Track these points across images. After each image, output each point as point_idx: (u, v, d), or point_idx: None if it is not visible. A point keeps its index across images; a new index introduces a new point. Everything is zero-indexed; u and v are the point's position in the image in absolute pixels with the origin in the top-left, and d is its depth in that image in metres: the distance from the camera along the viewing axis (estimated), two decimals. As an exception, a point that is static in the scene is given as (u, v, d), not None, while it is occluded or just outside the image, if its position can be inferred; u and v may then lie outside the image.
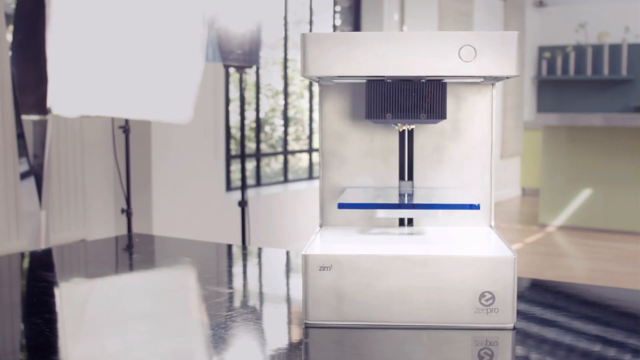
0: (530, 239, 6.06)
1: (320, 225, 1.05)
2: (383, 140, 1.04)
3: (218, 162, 4.19)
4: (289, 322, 0.92)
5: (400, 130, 1.02)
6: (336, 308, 0.85)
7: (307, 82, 5.39)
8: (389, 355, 0.79)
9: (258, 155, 4.88)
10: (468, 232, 1.00)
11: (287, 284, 1.17)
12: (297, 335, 0.86)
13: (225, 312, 0.95)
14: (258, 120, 4.86)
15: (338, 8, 5.72)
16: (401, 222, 1.05)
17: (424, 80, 0.92)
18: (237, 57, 2.53)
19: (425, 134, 1.04)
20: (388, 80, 0.92)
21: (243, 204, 2.94)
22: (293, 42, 5.23)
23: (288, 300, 1.05)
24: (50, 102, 2.33)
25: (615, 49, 9.04)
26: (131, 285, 1.16)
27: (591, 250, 5.68)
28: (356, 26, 5.87)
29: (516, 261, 0.85)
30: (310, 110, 5.44)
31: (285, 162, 5.24)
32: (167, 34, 2.31)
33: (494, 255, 0.85)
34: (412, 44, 0.83)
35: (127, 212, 2.68)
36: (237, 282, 1.18)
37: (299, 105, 5.48)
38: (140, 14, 2.27)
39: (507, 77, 0.85)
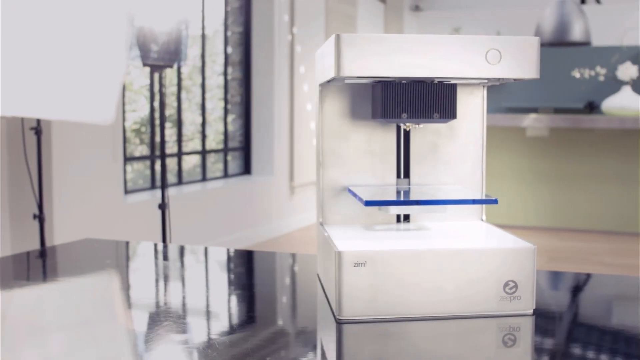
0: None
1: (321, 223, 1.07)
2: (381, 140, 1.07)
3: (117, 164, 4.07)
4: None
5: (408, 129, 1.05)
6: (369, 303, 0.87)
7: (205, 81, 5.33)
8: (421, 347, 0.82)
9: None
10: (469, 226, 1.05)
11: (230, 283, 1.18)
12: (330, 330, 0.87)
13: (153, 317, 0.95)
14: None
15: (228, 8, 5.69)
16: (397, 218, 1.08)
17: (436, 82, 0.96)
18: (157, 56, 2.47)
19: (422, 134, 1.08)
20: (403, 82, 0.95)
21: (163, 206, 2.88)
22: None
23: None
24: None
25: (487, 53, 9.51)
26: (52, 295, 1.10)
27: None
28: (247, 26, 5.86)
29: (536, 251, 0.90)
30: (203, 109, 5.38)
31: (178, 162, 5.16)
32: (88, 31, 2.23)
33: (516, 246, 0.90)
34: (442, 47, 0.87)
35: (40, 218, 2.55)
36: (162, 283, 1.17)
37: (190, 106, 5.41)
38: (60, 7, 2.18)
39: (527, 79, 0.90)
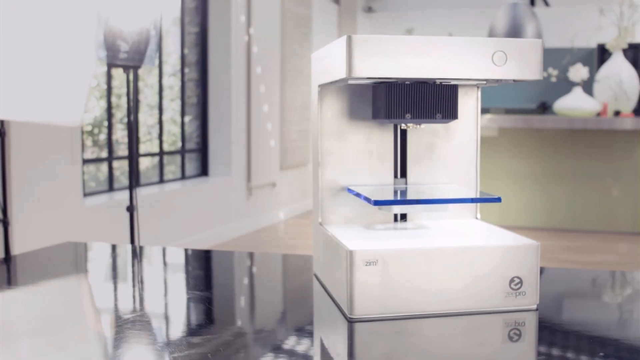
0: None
1: (320, 223, 1.07)
2: (379, 140, 1.08)
3: (75, 167, 4.00)
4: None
5: (408, 129, 1.06)
6: (380, 301, 0.88)
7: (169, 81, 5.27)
8: (431, 344, 0.84)
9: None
10: (467, 225, 1.07)
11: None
12: (343, 329, 0.88)
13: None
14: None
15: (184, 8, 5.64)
16: (395, 217, 1.09)
17: (438, 83, 0.97)
18: (126, 56, 2.43)
19: (419, 134, 1.10)
20: (406, 82, 0.96)
21: (132, 208, 2.84)
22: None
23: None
24: None
25: (439, 54, 9.64)
26: (21, 300, 1.07)
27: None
28: (203, 26, 5.82)
29: (539, 248, 0.92)
30: (160, 111, 5.32)
31: (136, 164, 5.09)
32: (56, 32, 2.18)
33: (521, 243, 0.92)
34: (449, 49, 0.88)
35: (4, 222, 2.49)
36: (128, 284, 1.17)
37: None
38: (28, 8, 2.13)
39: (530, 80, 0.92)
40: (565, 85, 6.19)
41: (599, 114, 5.78)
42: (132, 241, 2.92)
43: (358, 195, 1.01)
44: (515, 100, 9.25)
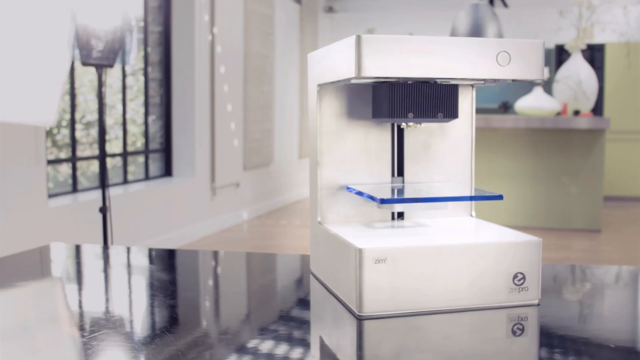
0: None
1: (320, 222, 1.08)
2: (376, 139, 1.09)
3: (40, 168, 3.93)
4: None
5: (406, 128, 1.08)
6: (389, 299, 0.89)
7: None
8: (438, 339, 0.85)
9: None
10: (464, 222, 1.08)
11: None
12: (351, 327, 0.89)
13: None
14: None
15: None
16: (392, 216, 1.11)
17: (439, 83, 0.99)
18: (100, 55, 2.39)
19: (415, 133, 1.11)
20: (409, 82, 0.97)
21: (104, 209, 2.80)
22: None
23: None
24: None
25: (399, 54, 9.73)
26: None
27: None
28: (166, 25, 5.77)
29: (541, 244, 0.94)
30: (124, 110, 5.26)
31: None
32: (30, 32, 2.15)
33: (524, 239, 0.94)
34: (455, 49, 0.90)
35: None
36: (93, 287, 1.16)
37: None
38: (1, 8, 2.09)
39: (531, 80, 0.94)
40: (526, 85, 6.29)
41: (559, 114, 5.90)
42: (105, 242, 2.88)
43: (360, 193, 1.02)
44: (477, 100, 9.38)
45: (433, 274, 0.90)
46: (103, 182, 2.86)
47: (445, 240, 0.92)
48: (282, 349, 0.81)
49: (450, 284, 0.91)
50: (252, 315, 0.98)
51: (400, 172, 1.11)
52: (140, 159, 5.60)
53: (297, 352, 0.80)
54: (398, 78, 0.91)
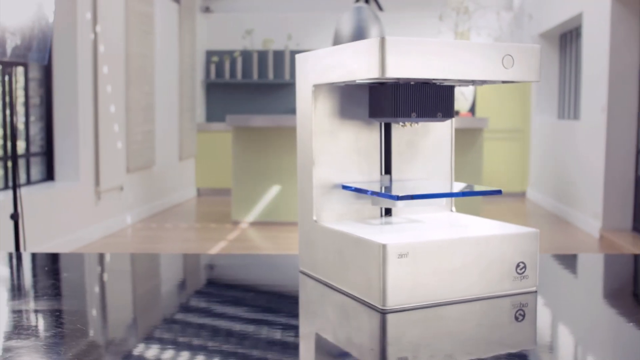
0: (231, 236, 6.32)
1: (316, 221, 1.09)
2: (366, 139, 1.12)
3: None
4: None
5: (404, 127, 1.11)
6: (410, 292, 0.93)
7: None
8: (454, 328, 0.89)
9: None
10: (451, 216, 1.14)
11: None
12: (374, 321, 0.91)
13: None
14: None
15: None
16: (381, 212, 1.14)
17: (438, 84, 1.03)
18: (15, 52, 2.26)
19: (401, 132, 1.15)
20: (411, 83, 1.01)
21: (16, 216, 2.64)
22: None
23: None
24: None
25: (279, 55, 9.78)
26: None
27: (284, 242, 6.13)
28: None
29: (539, 235, 1.01)
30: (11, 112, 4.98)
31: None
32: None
33: (524, 231, 1.00)
34: (467, 52, 0.94)
35: None
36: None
37: None
38: None
39: (529, 82, 1.00)
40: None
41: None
42: (17, 248, 2.73)
43: (360, 191, 1.04)
44: None
45: (448, 267, 0.95)
46: (15, 186, 2.71)
47: (457, 234, 0.97)
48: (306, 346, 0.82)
49: (463, 275, 0.96)
50: (245, 314, 0.98)
51: (388, 170, 1.15)
52: (20, 162, 5.32)
53: (322, 348, 0.82)
54: (407, 79, 0.95)
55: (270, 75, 9.73)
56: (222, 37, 9.93)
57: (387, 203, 1.08)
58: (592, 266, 1.31)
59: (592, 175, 6.45)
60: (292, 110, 9.88)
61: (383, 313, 0.92)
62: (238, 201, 6.97)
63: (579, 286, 1.16)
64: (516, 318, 0.94)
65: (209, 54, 9.90)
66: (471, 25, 6.14)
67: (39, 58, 2.52)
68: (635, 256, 1.34)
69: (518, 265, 0.99)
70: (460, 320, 0.92)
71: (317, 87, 1.08)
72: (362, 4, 6.65)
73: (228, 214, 7.51)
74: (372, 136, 1.13)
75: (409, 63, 0.90)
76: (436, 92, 1.02)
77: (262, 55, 9.77)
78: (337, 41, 6.70)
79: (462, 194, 1.02)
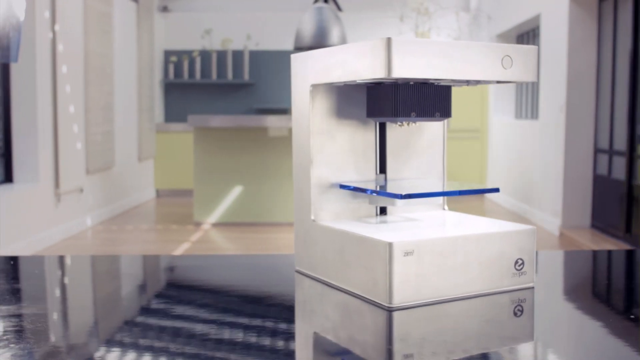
0: (194, 238, 6.27)
1: (314, 220, 1.10)
2: (362, 138, 1.13)
3: None
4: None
5: (401, 127, 1.13)
6: (415, 289, 0.94)
7: None
8: (457, 324, 0.91)
9: None
10: (445, 215, 1.15)
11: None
12: (382, 319, 0.92)
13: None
14: None
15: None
16: (376, 211, 1.15)
17: (437, 84, 1.04)
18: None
19: (395, 132, 1.16)
20: (411, 83, 1.02)
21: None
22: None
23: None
24: None
25: (238, 55, 9.73)
26: None
27: (248, 243, 6.11)
28: (1, 23, 5.41)
29: (536, 231, 1.03)
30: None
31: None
32: None
33: (522, 228, 1.02)
34: (470, 53, 0.96)
35: None
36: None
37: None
38: None
39: (525, 82, 1.02)
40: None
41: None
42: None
43: (361, 190, 1.05)
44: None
45: (451, 264, 0.96)
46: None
47: (459, 232, 0.98)
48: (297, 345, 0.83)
49: (465, 272, 0.97)
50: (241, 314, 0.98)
51: (383, 170, 1.16)
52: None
53: (329, 347, 0.82)
54: (408, 79, 0.96)
55: (230, 75, 9.69)
56: (181, 36, 9.84)
57: (386, 202, 1.09)
58: (552, 262, 1.33)
59: (552, 174, 6.58)
60: (252, 111, 9.85)
61: (389, 311, 0.93)
62: (200, 202, 6.92)
63: (539, 282, 1.19)
64: (515, 314, 0.96)
65: (168, 53, 9.81)
66: (431, 26, 6.21)
67: (13, 57, 2.46)
68: (594, 252, 1.38)
69: (517, 262, 1.01)
70: (464, 317, 0.94)
71: (315, 87, 1.08)
72: (322, 4, 6.66)
73: (189, 215, 7.45)
74: (367, 136, 1.14)
75: (414, 63, 0.92)
76: (434, 92, 1.04)
77: (221, 55, 9.71)
78: (299, 41, 6.70)
79: (462, 192, 1.04)
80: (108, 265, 1.32)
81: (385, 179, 1.16)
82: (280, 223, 6.88)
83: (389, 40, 0.90)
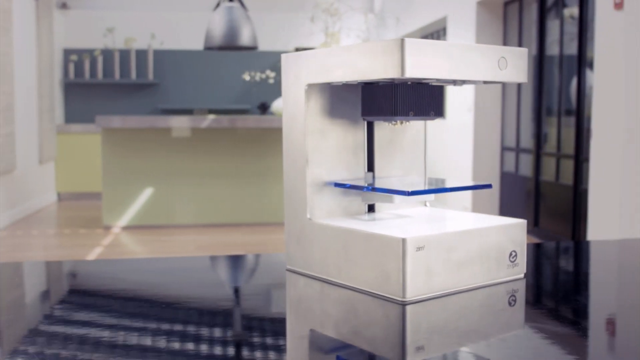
0: (105, 242, 6.11)
1: (310, 219, 1.11)
2: (352, 137, 1.16)
3: None
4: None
5: (396, 126, 1.15)
6: (425, 283, 0.97)
7: None
8: (461, 316, 0.95)
9: None
10: (430, 211, 1.19)
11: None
12: (396, 313, 0.95)
13: None
14: None
15: None
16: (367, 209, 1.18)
17: (432, 84, 1.08)
18: None
19: (383, 131, 1.19)
20: (409, 83, 1.05)
21: None
22: None
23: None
24: None
25: (141, 54, 9.54)
26: None
27: (161, 245, 6.01)
28: None
29: (525, 225, 1.08)
30: None
31: None
32: None
33: (515, 222, 1.07)
34: (470, 53, 0.99)
35: None
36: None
37: None
38: None
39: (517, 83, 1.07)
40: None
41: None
42: None
43: (358, 188, 1.07)
44: (232, 101, 9.54)
45: (456, 257, 1.00)
46: None
47: (461, 227, 1.02)
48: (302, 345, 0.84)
49: (468, 265, 1.01)
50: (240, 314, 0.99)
51: (371, 168, 1.19)
52: None
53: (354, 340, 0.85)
54: (407, 79, 0.99)
55: (133, 75, 9.49)
56: (81, 35, 9.55)
57: (384, 199, 1.11)
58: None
59: (461, 171, 6.81)
60: (157, 111, 9.68)
61: (403, 305, 0.95)
62: (109, 205, 6.74)
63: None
64: (509, 304, 1.01)
65: (67, 52, 9.50)
66: (342, 26, 6.29)
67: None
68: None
69: (511, 254, 1.06)
70: (466, 309, 0.97)
71: (310, 87, 1.10)
72: (232, 3, 6.63)
73: (96, 219, 7.25)
74: (357, 135, 1.16)
75: (425, 64, 0.95)
76: (429, 91, 1.07)
77: (124, 54, 9.49)
78: (209, 41, 6.64)
79: (459, 188, 1.08)
80: (11, 273, 1.27)
81: (374, 177, 1.19)
82: (191, 225, 6.80)
83: (402, 41, 0.93)
